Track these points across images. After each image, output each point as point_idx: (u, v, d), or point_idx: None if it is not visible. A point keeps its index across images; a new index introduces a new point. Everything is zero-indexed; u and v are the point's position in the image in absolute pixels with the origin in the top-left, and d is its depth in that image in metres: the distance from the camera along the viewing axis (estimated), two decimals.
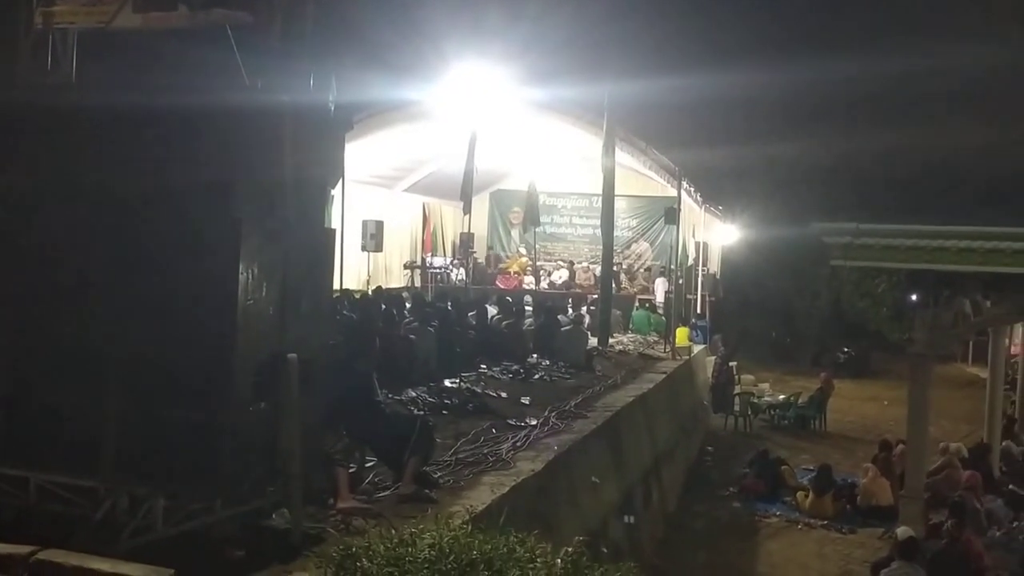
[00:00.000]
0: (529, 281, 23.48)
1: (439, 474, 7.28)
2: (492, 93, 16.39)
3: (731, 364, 20.95)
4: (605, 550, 7.54)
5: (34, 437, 5.24)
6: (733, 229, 26.22)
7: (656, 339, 19.24)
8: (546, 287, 23.17)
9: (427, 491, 6.72)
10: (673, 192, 20.45)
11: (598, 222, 19.56)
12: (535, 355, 14.01)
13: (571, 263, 24.45)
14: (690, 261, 22.45)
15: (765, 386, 21.87)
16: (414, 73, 16.05)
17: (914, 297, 11.86)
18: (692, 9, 32.84)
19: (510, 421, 9.63)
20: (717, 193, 25.02)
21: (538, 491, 7.71)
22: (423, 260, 23.53)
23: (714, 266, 25.95)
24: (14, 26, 5.92)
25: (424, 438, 7.04)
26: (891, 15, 32.51)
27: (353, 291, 15.61)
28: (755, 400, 20.04)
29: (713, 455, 17.22)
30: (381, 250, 18.92)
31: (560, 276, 23.83)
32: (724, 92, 26.83)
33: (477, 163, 17.63)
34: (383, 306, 13.30)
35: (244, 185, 5.17)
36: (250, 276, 5.10)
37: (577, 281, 23.58)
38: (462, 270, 22.64)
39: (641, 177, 22.50)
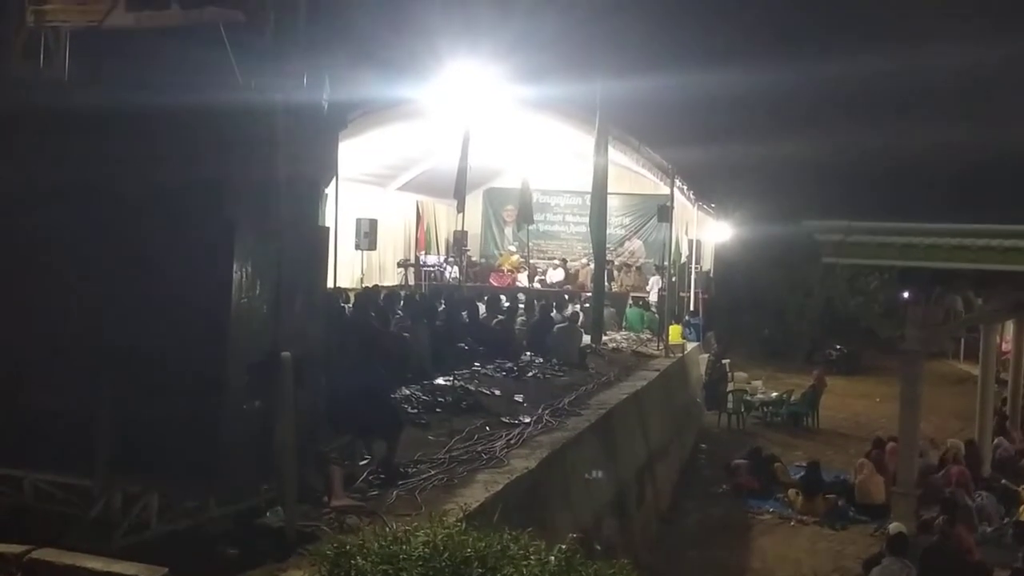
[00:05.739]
0: (522, 279, 23.47)
1: (433, 471, 7.31)
2: (485, 91, 16.34)
3: (724, 361, 21.03)
4: (599, 547, 7.56)
5: (28, 436, 5.23)
6: (726, 227, 26.27)
7: (649, 337, 19.27)
8: (538, 285, 23.15)
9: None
10: (666, 190, 20.43)
11: None
12: (529, 353, 14.01)
13: (564, 261, 24.44)
14: (683, 259, 22.48)
15: (758, 383, 21.92)
16: (407, 71, 16.00)
17: (906, 294, 11.90)
18: (683, 7, 32.87)
19: (504, 419, 9.63)
20: (710, 191, 25.02)
21: (532, 489, 7.73)
22: (417, 258, 23.51)
23: (707, 264, 25.99)
24: (6, 25, 5.92)
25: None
26: (879, 15, 32.63)
27: (347, 289, 15.59)
28: (748, 397, 20.10)
29: (706, 452, 17.26)
30: (375, 248, 18.90)
31: (556, 275, 23.81)
32: (717, 90, 26.88)
33: (470, 161, 17.62)
34: (379, 304, 13.29)
35: (238, 184, 5.17)
36: (244, 275, 5.10)
37: (579, 280, 23.54)
38: (456, 268, 22.61)
39: (634, 175, 22.50)
